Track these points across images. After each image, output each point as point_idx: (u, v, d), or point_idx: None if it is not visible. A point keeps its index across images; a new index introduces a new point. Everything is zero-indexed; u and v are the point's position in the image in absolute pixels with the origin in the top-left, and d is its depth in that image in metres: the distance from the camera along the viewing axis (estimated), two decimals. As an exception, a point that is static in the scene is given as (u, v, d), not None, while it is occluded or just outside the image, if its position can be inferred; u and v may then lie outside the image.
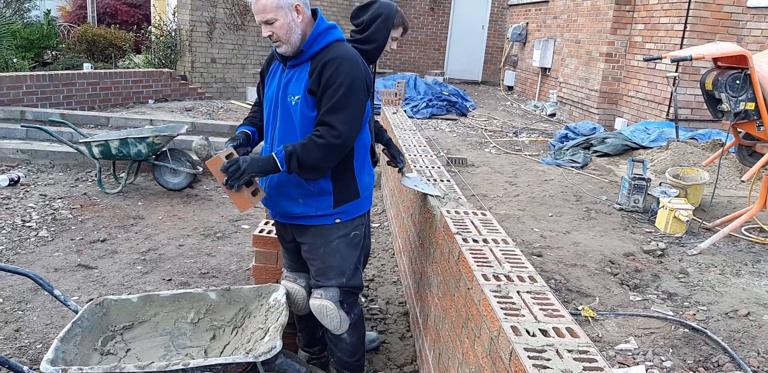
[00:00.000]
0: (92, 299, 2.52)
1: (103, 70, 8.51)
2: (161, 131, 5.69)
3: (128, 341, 2.43)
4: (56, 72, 7.92)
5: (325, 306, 2.43)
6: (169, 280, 3.87)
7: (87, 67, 8.74)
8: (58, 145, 6.35)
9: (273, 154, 2.22)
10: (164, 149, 5.67)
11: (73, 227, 4.72)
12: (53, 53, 10.51)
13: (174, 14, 9.91)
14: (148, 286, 3.76)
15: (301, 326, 2.82)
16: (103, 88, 8.21)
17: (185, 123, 6.92)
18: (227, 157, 2.20)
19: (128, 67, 10.13)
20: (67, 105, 7.77)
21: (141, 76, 8.71)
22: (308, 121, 2.28)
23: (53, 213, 4.96)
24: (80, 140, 5.62)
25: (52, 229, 4.64)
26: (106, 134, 5.91)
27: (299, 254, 2.56)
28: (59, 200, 5.29)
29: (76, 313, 2.37)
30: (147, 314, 2.49)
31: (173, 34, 9.87)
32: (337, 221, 2.42)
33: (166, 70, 9.16)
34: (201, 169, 5.84)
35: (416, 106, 9.90)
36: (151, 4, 12.38)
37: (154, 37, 10.12)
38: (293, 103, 2.26)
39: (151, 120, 7.29)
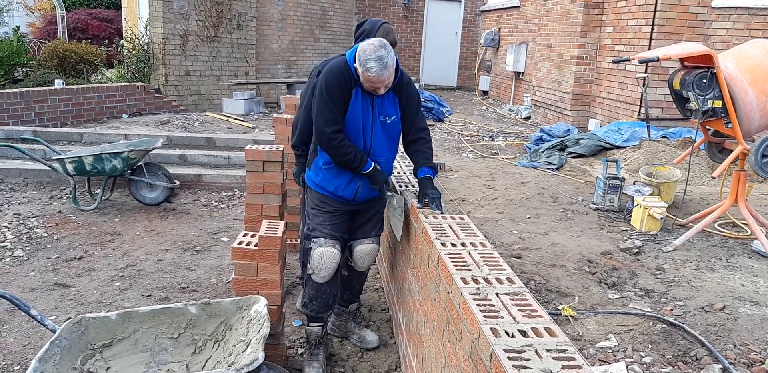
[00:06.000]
0: (70, 318, 2.48)
1: (75, 86, 8.39)
2: (136, 146, 5.64)
3: (108, 359, 2.40)
4: (27, 89, 7.79)
5: (375, 248, 3.06)
6: (149, 296, 3.83)
7: (58, 84, 8.61)
8: (31, 163, 6.25)
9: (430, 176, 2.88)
10: (140, 164, 5.62)
11: (48, 246, 4.64)
12: (24, 70, 10.36)
13: (146, 27, 9.84)
14: (127, 302, 3.72)
15: (320, 295, 2.97)
16: (76, 104, 8.10)
17: (160, 137, 6.86)
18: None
19: (101, 82, 10.00)
20: (39, 122, 7.66)
21: (114, 90, 8.62)
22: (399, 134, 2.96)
23: (28, 232, 4.88)
24: (53, 157, 5.54)
25: (27, 248, 4.57)
26: (79, 150, 5.84)
27: (347, 224, 3.02)
28: (34, 219, 5.21)
29: (54, 332, 2.34)
30: (126, 331, 2.46)
31: (146, 47, 9.80)
32: None
33: (139, 83, 9.09)
34: (178, 182, 5.79)
35: (393, 113, 9.92)
36: (123, 18, 12.25)
37: (126, 51, 10.03)
38: (388, 121, 2.84)
39: (125, 135, 7.21)
